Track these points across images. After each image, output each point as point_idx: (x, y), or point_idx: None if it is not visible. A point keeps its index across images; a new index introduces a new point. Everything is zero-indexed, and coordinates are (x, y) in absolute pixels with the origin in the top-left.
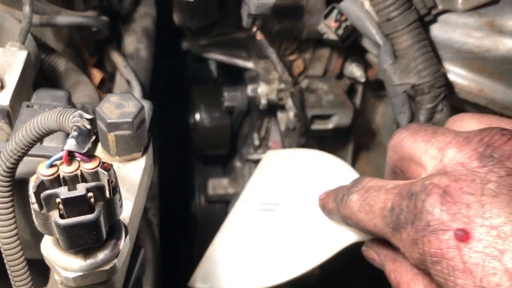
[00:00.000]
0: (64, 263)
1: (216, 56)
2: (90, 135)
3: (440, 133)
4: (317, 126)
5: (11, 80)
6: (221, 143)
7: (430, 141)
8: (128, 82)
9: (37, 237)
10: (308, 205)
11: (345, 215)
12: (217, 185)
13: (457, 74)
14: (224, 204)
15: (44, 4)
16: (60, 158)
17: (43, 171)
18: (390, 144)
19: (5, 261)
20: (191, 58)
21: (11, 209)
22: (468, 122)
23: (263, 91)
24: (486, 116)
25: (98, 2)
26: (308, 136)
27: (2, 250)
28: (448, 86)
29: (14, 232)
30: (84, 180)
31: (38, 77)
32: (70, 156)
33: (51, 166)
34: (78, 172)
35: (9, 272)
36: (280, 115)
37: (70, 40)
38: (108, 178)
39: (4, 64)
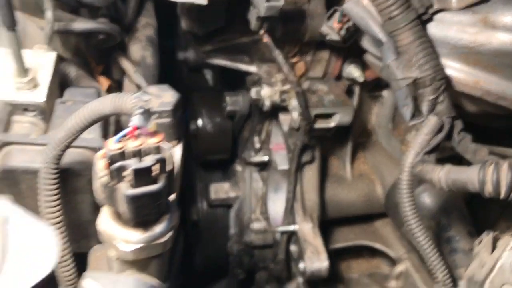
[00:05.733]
0: (124, 236)
1: (220, 61)
2: (151, 113)
3: None
4: (319, 125)
5: (44, 79)
6: (224, 147)
7: None
8: (138, 87)
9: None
10: None
11: None
12: (219, 189)
13: (454, 68)
14: (226, 208)
15: (60, 12)
16: (125, 135)
17: (112, 146)
18: None
19: None
20: (186, 69)
21: (57, 196)
22: None
23: (266, 93)
24: None
25: (106, 11)
26: (310, 136)
27: None
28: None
29: (60, 218)
30: (145, 155)
31: None
32: (137, 132)
33: (119, 141)
34: (143, 147)
35: None
36: (282, 117)
37: (77, 49)
38: (169, 152)
39: (35, 64)
